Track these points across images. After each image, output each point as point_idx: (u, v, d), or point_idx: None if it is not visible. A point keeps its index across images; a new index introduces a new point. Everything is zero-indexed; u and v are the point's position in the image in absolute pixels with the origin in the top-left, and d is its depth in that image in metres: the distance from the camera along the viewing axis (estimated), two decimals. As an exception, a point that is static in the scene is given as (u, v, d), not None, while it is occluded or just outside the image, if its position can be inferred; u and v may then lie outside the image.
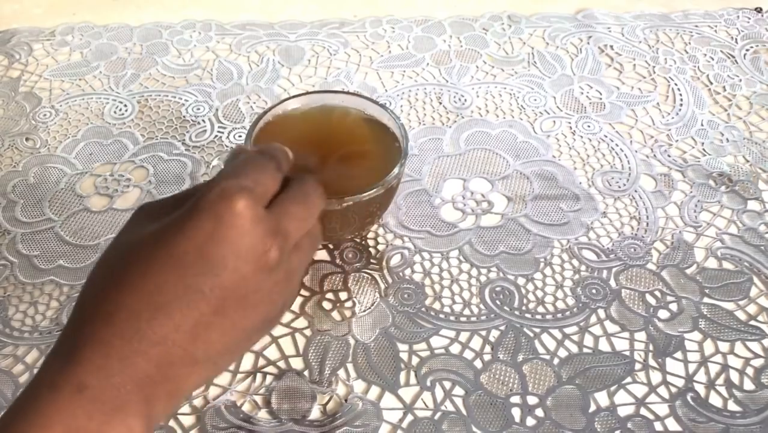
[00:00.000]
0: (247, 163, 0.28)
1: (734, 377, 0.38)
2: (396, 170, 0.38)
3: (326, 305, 0.41)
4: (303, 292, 0.42)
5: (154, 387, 0.23)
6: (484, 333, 0.40)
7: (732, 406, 0.37)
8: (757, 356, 0.39)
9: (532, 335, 0.40)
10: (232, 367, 0.38)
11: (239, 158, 0.29)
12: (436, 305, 0.41)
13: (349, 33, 0.63)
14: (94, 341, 0.23)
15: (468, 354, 0.39)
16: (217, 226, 0.24)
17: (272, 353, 0.39)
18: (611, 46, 0.62)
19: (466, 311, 0.41)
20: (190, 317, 0.24)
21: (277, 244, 0.25)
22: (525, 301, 0.42)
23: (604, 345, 0.40)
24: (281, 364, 0.38)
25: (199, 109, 0.55)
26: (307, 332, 0.40)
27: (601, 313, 0.41)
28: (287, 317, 0.40)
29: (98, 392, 0.22)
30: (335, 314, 0.41)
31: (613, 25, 0.65)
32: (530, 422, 0.36)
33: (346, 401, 0.37)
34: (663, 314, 0.41)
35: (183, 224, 0.24)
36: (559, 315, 0.41)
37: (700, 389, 0.38)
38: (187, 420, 0.36)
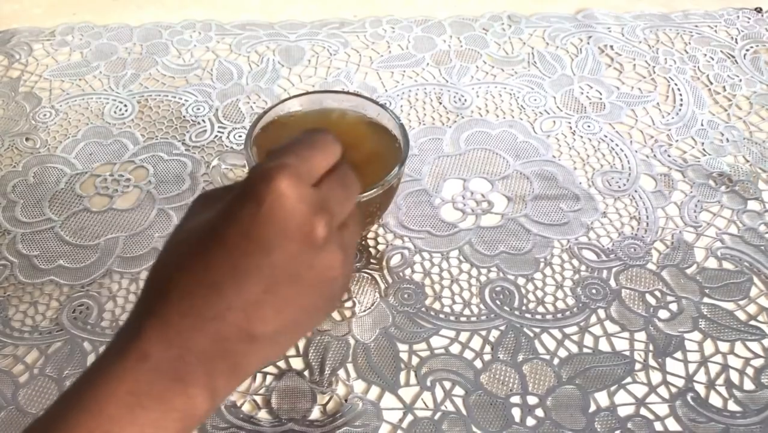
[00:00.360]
0: (295, 140, 0.28)
1: (734, 377, 0.38)
2: (396, 170, 0.38)
3: (326, 305, 0.41)
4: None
5: (212, 361, 0.24)
6: (484, 333, 0.40)
7: (732, 406, 0.37)
8: (757, 356, 0.39)
9: (532, 335, 0.40)
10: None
11: (297, 136, 0.29)
12: (436, 305, 0.41)
13: (349, 33, 0.63)
14: (154, 315, 0.24)
15: (468, 354, 0.39)
16: (259, 207, 0.24)
17: (272, 353, 0.39)
18: (611, 46, 0.62)
19: (466, 311, 0.41)
20: (241, 295, 0.24)
21: (324, 221, 0.26)
22: (525, 301, 0.42)
23: (604, 345, 0.40)
24: (281, 364, 0.38)
25: (199, 109, 0.55)
26: (307, 332, 0.40)
27: (601, 313, 0.41)
28: (287, 317, 0.40)
29: (159, 361, 0.23)
30: (335, 314, 0.41)
31: (613, 25, 0.65)
32: (530, 422, 0.36)
33: (346, 401, 0.37)
34: (663, 314, 0.41)
35: (229, 209, 0.25)
36: (559, 315, 0.41)
37: (700, 389, 0.38)
38: (187, 420, 0.36)
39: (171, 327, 0.24)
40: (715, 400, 0.37)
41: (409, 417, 0.36)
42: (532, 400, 0.37)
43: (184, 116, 0.54)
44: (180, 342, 0.24)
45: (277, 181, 0.25)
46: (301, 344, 0.39)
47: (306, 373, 0.38)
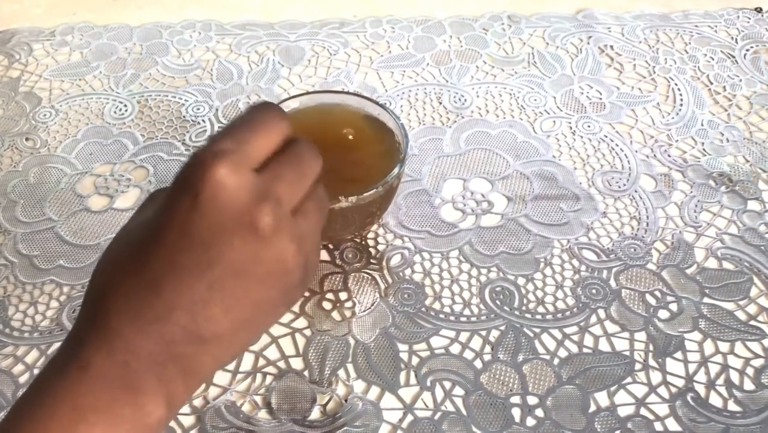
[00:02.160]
0: (234, 121, 0.25)
1: (734, 377, 0.38)
2: (396, 170, 0.38)
3: (326, 305, 0.41)
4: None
5: (162, 366, 0.23)
6: (484, 333, 0.40)
7: (732, 406, 0.37)
8: (757, 356, 0.39)
9: (532, 335, 0.40)
10: (231, 367, 0.38)
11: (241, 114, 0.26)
12: (436, 305, 0.41)
13: (349, 33, 0.63)
14: (93, 321, 0.23)
15: (468, 354, 0.39)
16: (195, 200, 0.22)
17: (272, 353, 0.39)
18: (611, 46, 0.62)
19: (466, 311, 0.41)
20: (183, 295, 0.23)
21: (269, 209, 0.23)
22: (525, 301, 0.42)
23: (604, 345, 0.40)
24: (281, 364, 0.38)
25: (199, 109, 0.55)
26: (307, 332, 0.40)
27: (601, 313, 0.41)
28: (287, 316, 0.40)
29: (103, 369, 0.22)
30: (335, 314, 0.41)
31: (613, 25, 0.65)
32: (530, 422, 0.36)
33: (346, 401, 0.37)
34: (663, 314, 0.41)
35: (164, 203, 0.23)
36: (559, 315, 0.41)
37: (701, 389, 0.38)
38: (187, 420, 0.36)
39: (111, 332, 0.22)
40: (715, 400, 0.37)
41: (409, 417, 0.36)
42: (532, 400, 0.37)
43: (184, 116, 0.54)
44: (123, 348, 0.22)
45: (212, 170, 0.22)
46: (301, 344, 0.39)
47: (306, 373, 0.38)
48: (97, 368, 0.22)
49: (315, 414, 0.36)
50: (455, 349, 0.39)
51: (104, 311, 0.23)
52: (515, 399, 0.37)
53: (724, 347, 0.40)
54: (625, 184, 0.49)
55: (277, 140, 0.26)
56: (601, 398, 0.37)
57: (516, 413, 0.36)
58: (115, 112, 0.55)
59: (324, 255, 0.43)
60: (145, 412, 0.22)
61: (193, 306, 0.23)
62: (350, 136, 0.42)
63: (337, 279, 0.42)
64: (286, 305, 0.27)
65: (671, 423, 0.36)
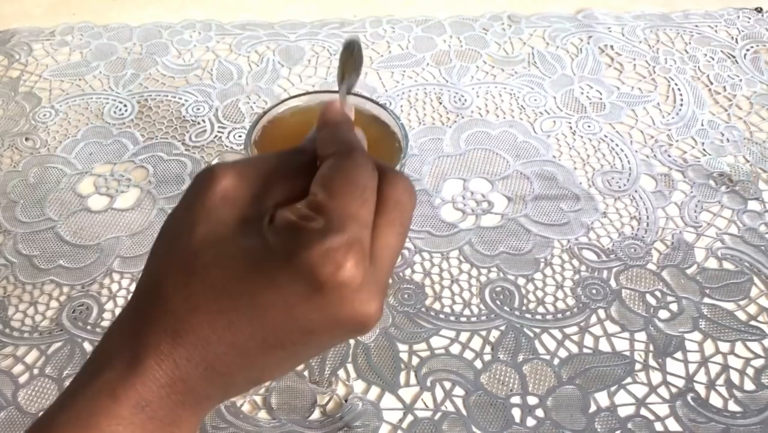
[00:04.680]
0: (348, 188, 0.22)
1: (734, 377, 0.38)
2: (396, 170, 0.38)
3: (326, 305, 0.41)
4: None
5: (210, 401, 0.23)
6: (484, 333, 0.40)
7: (732, 406, 0.37)
8: (757, 356, 0.39)
9: (532, 335, 0.40)
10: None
11: (331, 171, 0.23)
12: (436, 305, 0.41)
13: (349, 33, 0.63)
14: (159, 355, 0.21)
15: (468, 354, 0.39)
16: (316, 293, 0.21)
17: (272, 353, 0.39)
18: (611, 46, 0.62)
19: (466, 311, 0.41)
20: (261, 362, 0.22)
21: (379, 305, 0.22)
22: (525, 301, 0.42)
23: (604, 345, 0.39)
24: (281, 364, 0.38)
25: (199, 109, 0.55)
26: (307, 332, 0.40)
27: (602, 313, 0.41)
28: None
29: (158, 408, 0.21)
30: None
31: (614, 25, 0.65)
32: (530, 422, 0.36)
33: (346, 401, 0.37)
34: (663, 314, 0.41)
35: (275, 276, 0.21)
36: (559, 315, 0.41)
37: (701, 390, 0.38)
38: (187, 420, 0.36)
39: (178, 374, 0.21)
40: (715, 400, 0.37)
41: (409, 417, 0.36)
42: (532, 400, 0.37)
43: (184, 116, 0.54)
44: (185, 390, 0.21)
45: (344, 269, 0.20)
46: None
47: (306, 373, 0.38)
48: (152, 407, 0.21)
49: (315, 414, 0.36)
50: (455, 349, 0.39)
51: (174, 348, 0.21)
52: (515, 399, 0.37)
53: (724, 347, 0.40)
54: (625, 185, 0.49)
55: (375, 198, 0.23)
56: (602, 398, 0.37)
57: (516, 413, 0.36)
58: (114, 112, 0.55)
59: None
60: None
61: (267, 369, 0.23)
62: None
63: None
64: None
65: (671, 423, 0.36)
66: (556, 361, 0.39)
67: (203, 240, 0.22)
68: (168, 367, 0.21)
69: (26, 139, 0.52)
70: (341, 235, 0.21)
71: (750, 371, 0.39)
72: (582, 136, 0.53)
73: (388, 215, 0.23)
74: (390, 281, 0.42)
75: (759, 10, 0.68)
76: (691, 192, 0.49)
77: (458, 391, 0.37)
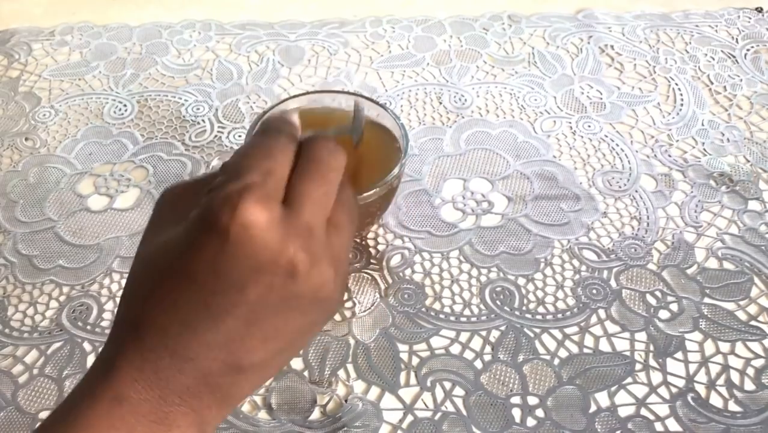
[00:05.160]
0: (249, 150, 0.24)
1: (735, 377, 0.38)
2: (396, 170, 0.38)
3: (326, 305, 0.41)
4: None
5: (198, 398, 0.22)
6: (484, 333, 0.40)
7: (732, 406, 0.37)
8: (757, 356, 0.39)
9: (532, 335, 0.40)
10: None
11: (242, 146, 0.25)
12: (437, 306, 0.41)
13: (349, 33, 0.63)
14: (126, 353, 0.22)
15: (468, 354, 0.39)
16: (225, 241, 0.21)
17: (272, 353, 0.39)
18: (612, 46, 0.62)
19: (467, 312, 0.41)
20: (219, 333, 0.22)
21: (301, 243, 0.22)
22: (525, 301, 0.41)
23: (604, 345, 0.39)
24: (281, 364, 0.38)
25: (198, 109, 0.55)
26: (307, 333, 0.40)
27: (602, 313, 0.41)
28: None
29: (136, 404, 0.21)
30: (335, 315, 0.41)
31: (614, 25, 0.65)
32: (530, 422, 0.36)
33: (346, 401, 0.37)
34: (663, 314, 0.41)
35: (192, 239, 0.22)
36: (559, 315, 0.41)
37: (701, 390, 0.38)
38: (187, 420, 0.36)
39: (147, 366, 0.22)
40: (715, 400, 0.37)
41: (409, 418, 0.36)
42: (532, 400, 0.37)
43: (183, 116, 0.54)
44: (159, 383, 0.22)
45: (241, 210, 0.21)
46: (301, 344, 0.39)
47: (306, 373, 0.38)
48: (132, 404, 0.21)
49: (315, 414, 0.36)
50: (455, 349, 0.39)
51: (139, 342, 0.22)
52: (515, 399, 0.37)
53: (724, 347, 0.40)
54: (625, 184, 0.49)
55: (292, 157, 0.25)
56: (602, 398, 0.37)
57: (516, 413, 0.36)
58: (114, 112, 0.55)
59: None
60: None
61: (231, 343, 0.22)
62: (350, 137, 0.42)
63: (337, 279, 0.42)
64: (325, 322, 0.26)
65: (672, 423, 0.36)
66: (556, 361, 0.39)
67: (154, 243, 0.24)
68: (137, 361, 0.22)
69: (26, 139, 0.52)
70: (239, 181, 0.22)
71: (750, 371, 0.39)
72: (582, 136, 0.53)
73: (301, 168, 0.24)
74: (389, 279, 0.42)
75: (759, 10, 0.67)
76: (692, 192, 0.49)
77: (458, 391, 0.37)
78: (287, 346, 0.24)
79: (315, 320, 0.25)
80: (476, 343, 0.39)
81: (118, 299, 0.41)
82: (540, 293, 0.42)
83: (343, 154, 0.26)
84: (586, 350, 0.39)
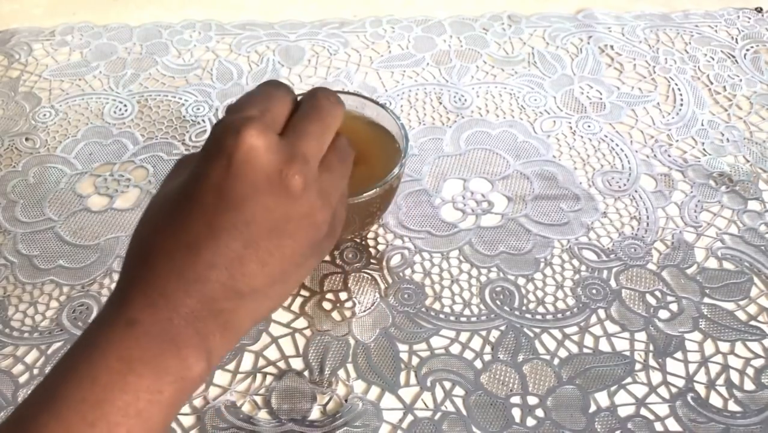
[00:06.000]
0: (251, 94, 0.28)
1: (734, 377, 0.38)
2: (396, 170, 0.38)
3: (326, 305, 0.41)
4: (303, 292, 0.42)
5: (202, 321, 0.24)
6: (484, 333, 0.40)
7: (732, 406, 0.37)
8: (757, 356, 0.39)
9: (532, 335, 0.40)
10: (231, 367, 0.38)
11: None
12: (436, 305, 0.41)
13: (349, 33, 0.63)
14: (137, 281, 0.24)
15: (468, 354, 0.39)
16: (229, 162, 0.24)
17: (272, 353, 0.39)
18: (611, 46, 0.62)
19: (467, 311, 0.41)
20: (220, 253, 0.24)
21: (297, 168, 0.25)
22: (525, 301, 0.42)
23: (604, 345, 0.39)
24: (281, 364, 0.38)
25: (199, 109, 0.55)
26: (307, 332, 0.40)
27: (602, 313, 0.41)
28: (287, 316, 0.40)
29: (147, 326, 0.23)
30: (335, 314, 0.41)
31: (614, 25, 0.65)
32: (530, 422, 0.36)
33: (346, 401, 0.37)
34: (663, 314, 0.41)
35: (197, 168, 0.25)
36: (559, 315, 0.41)
37: (701, 390, 0.38)
38: (187, 420, 0.36)
39: (155, 291, 0.24)
40: (715, 400, 0.37)
41: (409, 417, 0.36)
42: (532, 400, 0.37)
43: (184, 116, 0.54)
44: (166, 305, 0.24)
45: (244, 134, 0.24)
46: (301, 344, 0.39)
47: (306, 373, 0.38)
48: (143, 325, 0.23)
49: (315, 414, 0.36)
50: (455, 349, 0.39)
51: (147, 271, 0.24)
52: (515, 399, 0.37)
53: (724, 347, 0.40)
54: (625, 185, 0.49)
55: (290, 106, 0.28)
56: (602, 398, 0.37)
57: (516, 413, 0.36)
58: (114, 112, 0.55)
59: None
60: (187, 365, 0.23)
61: (231, 264, 0.24)
62: (350, 137, 0.42)
63: (337, 279, 0.42)
64: (316, 256, 0.29)
65: (671, 423, 0.36)
66: (556, 361, 0.39)
67: (166, 190, 0.27)
68: (145, 287, 0.24)
69: (26, 139, 0.52)
70: (241, 113, 0.25)
71: (750, 371, 0.39)
72: (582, 136, 0.53)
73: (301, 110, 0.28)
74: (389, 279, 0.42)
75: (759, 10, 0.68)
76: (691, 192, 0.49)
77: (458, 391, 0.37)
78: (282, 275, 0.26)
79: (306, 252, 0.27)
80: (476, 343, 0.39)
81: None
82: (540, 293, 0.42)
83: (342, 106, 0.29)
84: (585, 350, 0.39)
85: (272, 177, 0.25)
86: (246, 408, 0.36)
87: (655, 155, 0.52)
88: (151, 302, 0.24)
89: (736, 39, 0.64)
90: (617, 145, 0.52)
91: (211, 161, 0.25)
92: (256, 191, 0.24)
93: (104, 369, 0.22)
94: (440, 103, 0.56)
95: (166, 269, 0.24)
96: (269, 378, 0.38)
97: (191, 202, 0.25)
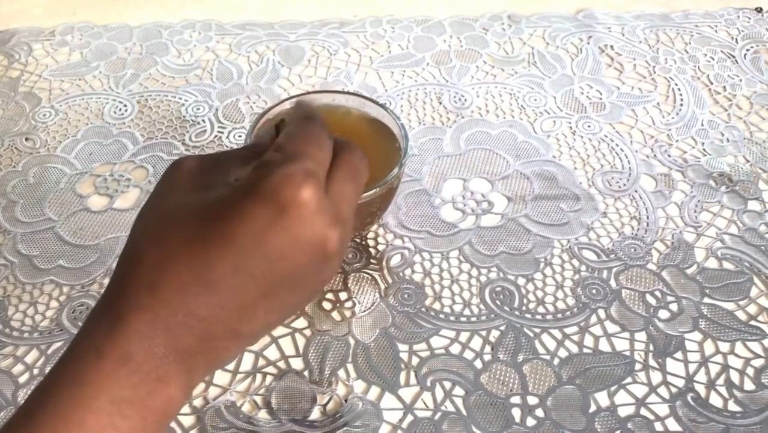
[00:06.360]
0: (305, 137, 0.26)
1: (734, 377, 0.38)
2: (396, 170, 0.38)
3: (326, 305, 0.41)
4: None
5: (195, 358, 0.23)
6: (484, 333, 0.40)
7: (732, 406, 0.37)
8: (757, 356, 0.39)
9: (532, 335, 0.40)
10: (231, 367, 0.38)
11: (292, 128, 0.27)
12: (436, 305, 0.41)
13: (349, 33, 0.63)
14: (139, 309, 0.23)
15: (468, 354, 0.39)
16: (279, 214, 0.23)
17: (272, 353, 0.39)
18: (611, 46, 0.62)
19: (466, 311, 0.41)
20: (237, 297, 0.23)
21: (338, 233, 0.25)
22: (525, 301, 0.42)
23: (604, 345, 0.39)
24: (281, 364, 0.38)
25: (199, 109, 0.55)
26: (307, 332, 0.40)
27: (602, 313, 0.41)
28: (287, 317, 0.40)
29: (142, 362, 0.22)
30: (335, 314, 0.41)
31: (614, 25, 0.65)
32: (530, 422, 0.36)
33: (346, 401, 0.37)
34: (663, 314, 0.41)
35: (240, 206, 0.23)
36: (559, 315, 0.41)
37: (701, 390, 0.38)
38: (187, 420, 0.36)
39: (157, 324, 0.23)
40: (715, 400, 0.37)
41: (409, 417, 0.36)
42: (532, 400, 0.37)
43: (184, 116, 0.54)
44: (166, 341, 0.23)
45: (302, 190, 0.23)
46: (301, 344, 0.39)
47: (306, 373, 0.38)
48: (136, 360, 0.22)
49: (315, 414, 0.36)
50: (455, 349, 0.39)
51: (154, 301, 0.23)
52: (515, 399, 0.37)
53: (724, 347, 0.40)
54: (625, 185, 0.49)
55: (330, 153, 0.27)
56: (602, 398, 0.37)
57: (516, 413, 0.36)
58: (114, 112, 0.55)
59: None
60: (172, 403, 0.23)
61: (243, 309, 0.24)
62: (350, 137, 0.42)
63: (337, 279, 0.42)
64: (307, 304, 0.30)
65: (671, 423, 0.36)
66: (556, 361, 0.39)
67: (174, 204, 0.25)
68: (148, 318, 0.22)
69: (26, 139, 0.52)
70: (299, 163, 0.24)
71: (750, 371, 0.39)
72: (582, 136, 0.53)
73: (341, 171, 0.27)
74: (389, 279, 0.42)
75: (759, 10, 0.68)
76: (691, 192, 0.49)
77: (458, 391, 0.37)
78: (279, 320, 0.26)
79: (303, 302, 0.27)
80: (476, 343, 0.39)
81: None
82: (540, 293, 0.42)
83: (367, 163, 0.29)
84: (585, 350, 0.39)
85: (314, 238, 0.24)
86: (246, 408, 0.36)
87: (655, 155, 0.52)
88: (150, 333, 0.22)
89: (736, 39, 0.64)
90: (617, 145, 0.52)
91: (259, 206, 0.23)
92: (296, 248, 0.24)
93: (95, 412, 0.21)
94: (440, 103, 0.56)
95: (175, 303, 0.23)
96: (269, 378, 0.38)
97: (223, 238, 0.23)
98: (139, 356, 0.22)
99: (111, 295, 0.24)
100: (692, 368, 0.39)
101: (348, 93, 0.44)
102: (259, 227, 0.23)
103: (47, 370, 0.37)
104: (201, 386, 0.37)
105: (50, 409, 0.21)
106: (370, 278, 0.42)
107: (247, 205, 0.23)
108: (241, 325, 0.24)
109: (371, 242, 0.44)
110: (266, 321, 0.25)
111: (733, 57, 0.61)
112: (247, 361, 0.38)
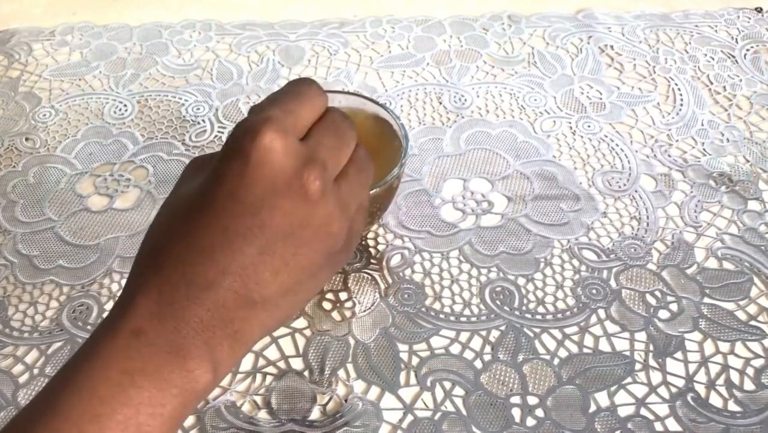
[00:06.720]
0: (279, 92, 0.27)
1: (734, 377, 0.38)
2: (396, 170, 0.38)
3: (326, 305, 0.41)
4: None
5: (211, 331, 0.23)
6: (484, 333, 0.40)
7: (732, 406, 0.37)
8: (757, 356, 0.39)
9: (532, 335, 0.40)
10: (232, 367, 0.38)
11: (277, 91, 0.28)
12: (436, 305, 0.41)
13: (349, 33, 0.63)
14: (145, 288, 0.23)
15: (468, 354, 0.39)
16: (246, 165, 0.23)
17: (272, 353, 0.39)
18: (611, 46, 0.62)
19: (466, 311, 0.41)
20: (235, 259, 0.23)
21: (316, 173, 0.24)
22: (525, 301, 0.42)
23: (604, 345, 0.39)
24: (281, 364, 0.38)
25: (199, 109, 0.55)
26: (307, 332, 0.40)
27: (602, 313, 0.41)
28: (287, 317, 0.40)
29: (153, 336, 0.23)
30: (335, 314, 0.41)
31: (614, 25, 0.65)
32: (530, 422, 0.36)
33: (346, 401, 0.37)
34: (663, 314, 0.41)
35: (215, 169, 0.24)
36: (559, 315, 0.41)
37: (701, 390, 0.38)
38: (187, 420, 0.36)
39: (164, 298, 0.23)
40: (715, 400, 0.37)
41: (409, 417, 0.36)
42: (532, 400, 0.37)
43: (184, 116, 0.54)
44: (174, 314, 0.23)
45: (261, 136, 0.23)
46: (301, 344, 0.39)
47: (306, 373, 0.38)
48: (148, 335, 0.22)
49: (315, 414, 0.36)
50: (455, 349, 0.39)
51: (157, 277, 0.23)
52: (515, 399, 0.37)
53: (724, 347, 0.40)
54: (625, 185, 0.49)
55: (318, 112, 0.27)
56: (602, 398, 0.37)
57: (516, 413, 0.36)
58: (114, 112, 0.55)
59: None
60: (192, 377, 0.23)
61: (245, 271, 0.24)
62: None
63: (337, 279, 0.42)
64: (330, 268, 0.28)
65: (671, 423, 0.36)
66: (556, 361, 0.39)
67: (180, 194, 0.26)
68: (154, 295, 0.23)
69: (26, 139, 0.52)
70: (261, 114, 0.24)
71: (750, 371, 0.39)
72: (582, 136, 0.53)
73: (322, 123, 0.27)
74: (389, 279, 0.42)
75: (759, 10, 0.68)
76: (691, 192, 0.49)
77: (458, 391, 0.37)
78: (296, 285, 0.25)
79: (320, 263, 0.26)
80: (476, 343, 0.39)
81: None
82: (540, 293, 0.42)
83: (356, 132, 0.29)
84: (585, 350, 0.39)
85: (290, 181, 0.24)
86: (246, 408, 0.36)
87: (655, 155, 0.52)
88: (158, 310, 0.23)
89: (736, 39, 0.64)
90: (617, 145, 0.52)
91: (227, 163, 0.24)
92: (273, 194, 0.24)
93: (104, 381, 0.22)
94: (440, 103, 0.56)
95: (176, 275, 0.23)
96: (269, 378, 0.38)
97: (206, 205, 0.24)
98: (150, 330, 0.23)
99: (128, 281, 0.25)
100: (692, 368, 0.39)
101: (348, 93, 0.44)
102: (233, 183, 0.23)
103: (47, 370, 0.38)
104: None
105: (64, 381, 0.22)
106: (370, 278, 0.42)
107: (217, 167, 0.24)
108: (249, 290, 0.24)
109: (371, 242, 0.44)
110: (279, 284, 0.25)
111: (733, 57, 0.61)
112: (247, 361, 0.38)
